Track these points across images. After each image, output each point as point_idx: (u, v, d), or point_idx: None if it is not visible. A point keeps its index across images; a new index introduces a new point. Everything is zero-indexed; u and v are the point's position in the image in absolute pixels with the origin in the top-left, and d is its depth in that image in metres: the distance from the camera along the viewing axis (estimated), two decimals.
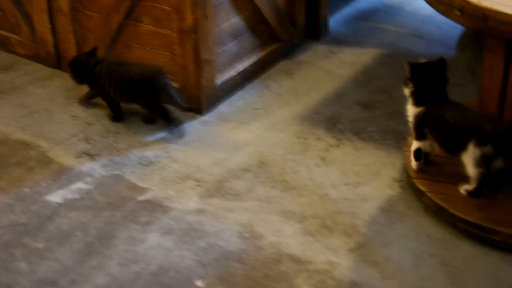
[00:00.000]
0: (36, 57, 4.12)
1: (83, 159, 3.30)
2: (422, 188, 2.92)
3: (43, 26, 3.97)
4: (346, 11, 4.71)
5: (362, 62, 4.10)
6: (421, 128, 2.92)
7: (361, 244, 2.77)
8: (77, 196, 3.06)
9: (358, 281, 2.60)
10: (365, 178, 3.13)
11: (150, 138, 3.43)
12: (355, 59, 4.13)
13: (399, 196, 3.02)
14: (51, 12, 3.91)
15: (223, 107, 3.66)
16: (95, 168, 3.23)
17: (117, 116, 3.61)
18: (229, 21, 3.61)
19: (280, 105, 3.70)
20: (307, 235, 2.83)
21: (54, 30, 3.96)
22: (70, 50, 3.91)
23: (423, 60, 2.89)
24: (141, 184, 3.11)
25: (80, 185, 3.13)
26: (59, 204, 3.01)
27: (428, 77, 2.86)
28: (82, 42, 3.86)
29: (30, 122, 3.60)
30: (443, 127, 2.83)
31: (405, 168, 3.08)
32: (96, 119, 3.59)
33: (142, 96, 3.44)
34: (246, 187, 3.10)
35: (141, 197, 3.04)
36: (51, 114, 3.66)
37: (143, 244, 2.78)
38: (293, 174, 3.19)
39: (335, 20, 4.53)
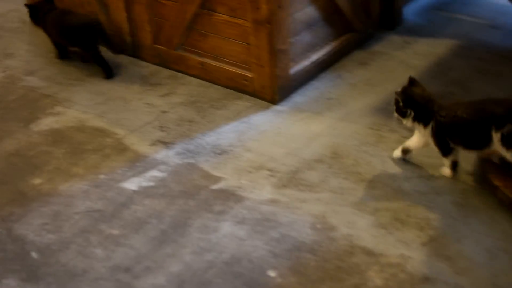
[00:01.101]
0: (113, 45, 4.18)
1: (157, 147, 3.36)
2: (496, 182, 2.90)
3: (119, 14, 4.04)
4: (421, 1, 4.67)
5: (437, 53, 4.07)
6: (444, 142, 2.95)
7: (433, 238, 2.77)
8: (151, 183, 3.12)
9: (430, 276, 2.60)
10: (439, 171, 3.11)
11: (223, 127, 3.47)
12: (429, 49, 4.10)
13: (473, 190, 3.00)
14: (127, 1, 3.97)
15: (297, 97, 3.68)
16: (169, 156, 3.29)
17: (61, 55, 4.26)
18: (303, 10, 3.62)
19: (353, 96, 3.70)
20: (379, 228, 2.83)
21: (130, 19, 4.02)
22: (146, 38, 3.98)
23: (403, 87, 2.96)
24: (214, 172, 3.16)
25: (154, 172, 3.19)
26: (134, 191, 3.08)
27: (419, 97, 2.93)
28: (157, 31, 3.92)
29: (106, 109, 3.69)
30: (463, 128, 2.86)
31: (479, 162, 3.05)
32: (171, 107, 3.65)
33: (81, 41, 3.98)
34: (319, 178, 3.11)
35: (215, 186, 3.08)
36: (126, 102, 3.73)
37: (216, 233, 2.83)
38: (366, 166, 3.19)
39: (410, 10, 4.50)
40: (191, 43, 3.81)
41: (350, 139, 3.36)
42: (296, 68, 3.67)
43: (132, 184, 3.13)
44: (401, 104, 2.92)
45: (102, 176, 3.20)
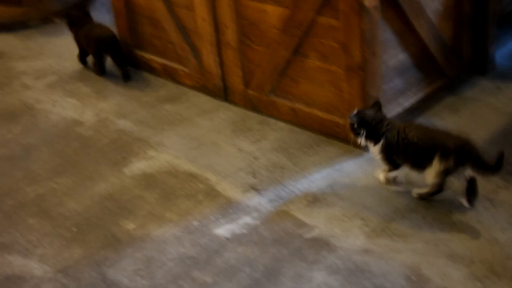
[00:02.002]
0: (203, 89, 4.32)
1: (250, 193, 3.44)
2: None
3: (211, 59, 4.16)
4: None
5: None
6: (392, 159, 3.30)
7: None
8: (244, 231, 3.19)
9: None
10: None
11: (315, 173, 3.53)
12: None
13: None
14: (219, 46, 4.09)
15: None
16: (262, 203, 3.36)
17: (82, 59, 5.00)
18: (395, 57, 3.67)
19: None
20: (475, 281, 2.83)
21: (221, 63, 4.14)
22: (237, 83, 4.08)
23: (359, 109, 3.37)
24: (307, 221, 3.22)
25: (247, 219, 3.26)
26: (227, 239, 3.16)
27: (370, 118, 3.30)
28: (248, 76, 4.02)
29: (198, 154, 3.79)
30: (410, 149, 3.21)
31: None
32: (262, 153, 3.73)
33: (93, 50, 4.74)
34: (412, 227, 3.14)
35: (308, 235, 3.13)
36: (218, 147, 3.83)
37: (310, 283, 2.87)
38: (460, 216, 3.19)
39: (502, 54, 4.49)
40: (283, 88, 3.89)
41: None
42: (388, 114, 3.70)
43: (225, 231, 3.20)
44: (355, 125, 3.29)
45: (195, 222, 3.29)
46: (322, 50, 3.63)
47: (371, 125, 3.29)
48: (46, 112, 4.45)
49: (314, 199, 3.36)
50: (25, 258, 3.22)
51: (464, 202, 3.24)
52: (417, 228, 3.13)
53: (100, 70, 4.81)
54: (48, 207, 3.55)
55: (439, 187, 3.25)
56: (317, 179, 3.51)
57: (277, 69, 3.87)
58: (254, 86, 4.05)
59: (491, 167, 3.11)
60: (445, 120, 3.88)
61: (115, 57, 4.71)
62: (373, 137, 3.31)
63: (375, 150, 3.35)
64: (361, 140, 3.35)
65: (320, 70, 3.68)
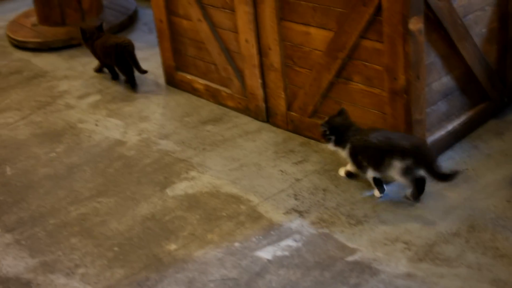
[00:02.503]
0: (246, 111, 4.39)
1: (291, 215, 3.49)
2: None
3: (254, 80, 4.23)
4: None
5: None
6: (359, 161, 3.55)
7: None
8: (286, 253, 3.24)
9: None
10: None
11: (357, 196, 3.57)
12: None
13: None
14: (263, 68, 4.16)
15: None
16: (304, 225, 3.41)
17: (98, 70, 5.35)
18: (439, 80, 3.71)
19: (489, 167, 3.73)
20: None
21: (264, 85, 4.20)
22: (280, 105, 4.14)
23: (329, 117, 3.68)
24: (349, 244, 3.25)
25: (289, 242, 3.31)
26: (269, 261, 3.21)
27: (339, 124, 3.61)
28: (291, 98, 4.08)
29: (240, 175, 3.85)
30: (371, 151, 3.48)
31: None
32: (304, 175, 3.78)
33: (113, 58, 4.99)
34: (456, 252, 3.16)
35: (350, 258, 3.17)
36: (260, 168, 3.89)
37: None
38: (505, 241, 3.21)
39: None
40: (326, 111, 3.95)
41: (487, 213, 3.39)
42: (431, 138, 3.74)
43: (266, 253, 3.25)
44: (327, 132, 3.59)
45: (236, 244, 3.34)
46: (366, 73, 3.67)
47: (340, 131, 3.58)
48: (89, 131, 4.54)
49: (356, 222, 3.40)
50: (67, 277, 3.30)
51: (410, 197, 3.55)
52: (460, 253, 3.15)
53: (115, 76, 5.24)
54: (90, 226, 3.63)
55: (415, 184, 3.49)
56: (360, 202, 3.54)
57: (320, 91, 3.92)
58: (297, 108, 4.11)
59: (441, 174, 3.41)
60: (489, 143, 3.90)
61: (133, 62, 4.99)
62: (341, 142, 3.59)
63: (344, 154, 3.62)
64: (331, 146, 3.64)
65: (364, 92, 3.73)
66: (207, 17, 4.40)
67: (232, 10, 4.19)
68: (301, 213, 3.50)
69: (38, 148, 4.46)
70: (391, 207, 3.48)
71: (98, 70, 5.38)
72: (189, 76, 4.77)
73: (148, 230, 3.54)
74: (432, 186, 3.57)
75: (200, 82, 4.69)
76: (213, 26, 4.39)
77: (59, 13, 6.11)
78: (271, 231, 3.41)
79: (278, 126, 4.26)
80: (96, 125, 4.62)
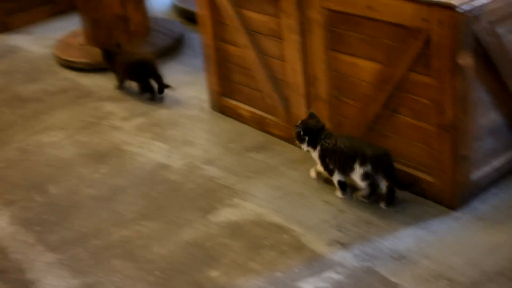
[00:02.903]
0: (290, 139, 4.43)
1: (334, 247, 3.52)
2: None
3: (299, 109, 4.29)
4: None
5: None
6: (326, 162, 3.89)
7: None
8: (328, 285, 3.28)
9: None
10: None
11: (402, 230, 3.59)
12: None
13: None
14: (309, 97, 4.21)
15: (477, 204, 3.75)
16: (346, 257, 3.44)
17: (120, 87, 5.60)
18: (488, 116, 3.73)
19: None
20: None
21: None
22: None
23: (303, 119, 4.02)
24: (392, 278, 3.28)
25: (331, 274, 3.35)
26: None
27: (313, 126, 3.94)
28: (337, 128, 4.12)
29: (283, 204, 3.90)
30: (337, 155, 3.81)
31: None
32: (348, 207, 3.81)
33: (136, 75, 5.34)
34: None
35: None
36: (304, 198, 3.93)
37: None
38: None
39: None
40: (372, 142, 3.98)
41: None
42: (478, 174, 3.76)
43: (308, 284, 3.30)
44: (301, 133, 3.91)
45: (278, 274, 3.39)
46: (413, 107, 3.71)
47: (313, 133, 3.90)
48: (133, 154, 4.63)
49: (399, 257, 3.42)
50: None
51: (382, 204, 3.82)
52: None
53: (148, 90, 5.42)
54: (132, 249, 3.70)
55: (371, 188, 3.82)
56: (403, 236, 3.57)
57: (365, 122, 3.96)
58: None
59: (398, 183, 3.77)
60: None
61: (155, 78, 5.33)
62: (313, 144, 3.91)
63: (314, 155, 3.95)
64: (304, 147, 3.96)
65: (410, 126, 3.76)
66: (255, 44, 4.47)
67: (280, 38, 4.26)
68: (344, 245, 3.54)
69: (83, 168, 4.54)
70: (436, 243, 3.49)
71: (120, 87, 5.63)
72: (234, 102, 4.84)
73: (190, 255, 3.59)
74: (474, 223, 3.58)
75: (245, 109, 4.75)
76: (261, 53, 4.46)
77: (106, 34, 6.23)
78: (313, 262, 3.44)
79: None
80: (141, 147, 4.70)
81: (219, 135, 4.70)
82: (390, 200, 3.82)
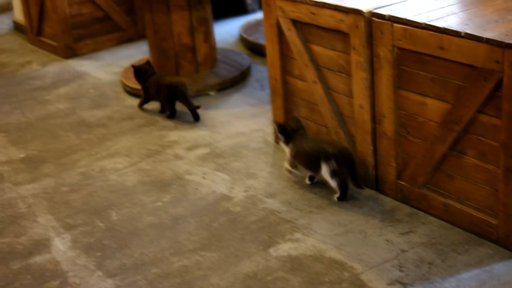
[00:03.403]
0: None
1: (395, 287, 3.54)
2: None
3: (365, 147, 4.33)
4: None
5: None
6: (294, 161, 4.47)
7: None
8: None
9: None
10: None
11: (464, 273, 3.62)
12: None
13: None
14: (375, 135, 4.25)
15: None
16: None
17: (145, 102, 6.06)
18: None
19: None
20: None
21: (375, 152, 4.29)
22: (390, 173, 4.22)
23: (284, 121, 4.75)
24: None
25: None
26: None
27: (289, 127, 4.55)
28: (402, 167, 4.16)
29: (345, 241, 3.93)
30: (303, 155, 4.40)
31: None
32: (410, 247, 3.83)
33: (164, 97, 5.76)
34: None
35: None
36: (366, 236, 3.96)
37: None
38: None
39: None
40: (436, 183, 4.00)
41: None
42: None
43: None
44: (279, 133, 4.49)
45: None
46: (481, 148, 3.73)
47: (287, 133, 4.48)
48: (195, 184, 4.71)
49: None
50: None
51: (335, 197, 4.37)
52: None
53: (172, 114, 5.84)
54: (191, 279, 3.77)
55: (342, 187, 4.30)
56: (465, 279, 3.57)
57: (432, 162, 3.98)
58: (407, 178, 4.17)
59: (356, 181, 4.26)
60: None
61: (185, 101, 5.71)
62: (287, 143, 4.48)
63: (287, 151, 4.51)
64: (282, 144, 4.55)
65: (477, 168, 3.78)
66: (322, 79, 4.54)
67: (349, 74, 4.32)
68: (405, 285, 3.56)
69: (145, 196, 4.64)
70: (498, 287, 3.48)
71: (141, 105, 6.08)
72: None
73: None
74: None
75: None
76: (328, 89, 4.52)
77: (174, 64, 6.38)
78: None
79: (386, 194, 4.33)
80: (204, 178, 4.78)
81: (282, 169, 4.75)
82: (343, 195, 4.33)
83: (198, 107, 5.71)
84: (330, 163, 4.21)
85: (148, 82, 5.83)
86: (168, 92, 5.70)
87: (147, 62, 5.97)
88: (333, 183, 4.27)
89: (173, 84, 5.66)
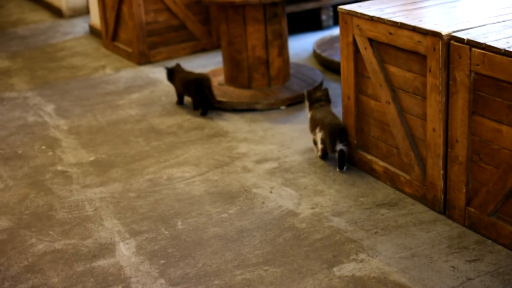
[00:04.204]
0: (422, 199, 4.49)
1: None
2: None
3: (435, 170, 4.34)
4: None
5: None
6: (310, 124, 5.34)
7: None
8: None
9: None
10: None
11: None
12: None
13: None
14: (446, 159, 4.26)
15: None
16: None
17: (180, 102, 6.62)
18: None
19: None
20: None
21: (446, 176, 4.29)
22: (459, 199, 4.22)
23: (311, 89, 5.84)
24: None
25: None
26: None
27: (314, 96, 5.44)
28: (472, 193, 4.16)
29: (410, 265, 3.95)
30: (314, 121, 5.24)
31: None
32: (477, 275, 3.84)
33: (192, 90, 6.28)
34: None
35: None
36: (432, 261, 3.97)
37: None
38: None
39: None
40: (507, 211, 3.99)
41: None
42: None
43: None
44: (306, 97, 5.39)
45: None
46: None
47: (312, 100, 5.34)
48: (262, 197, 4.78)
49: None
50: None
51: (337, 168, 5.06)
52: None
53: (196, 106, 6.41)
54: None
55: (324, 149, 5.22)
56: None
57: (504, 191, 3.97)
58: (476, 205, 4.17)
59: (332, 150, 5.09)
60: None
61: (208, 95, 6.24)
62: (310, 108, 5.34)
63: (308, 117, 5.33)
64: (307, 109, 5.36)
65: None
66: (396, 100, 4.56)
67: (423, 97, 4.34)
68: None
69: (211, 207, 4.72)
70: None
71: (179, 102, 6.63)
72: (369, 156, 4.94)
73: None
74: None
75: (379, 164, 4.84)
76: (401, 110, 4.55)
77: (246, 76, 6.47)
78: None
79: (454, 220, 4.33)
80: (271, 192, 4.84)
81: (350, 188, 4.79)
82: (343, 163, 5.07)
83: (218, 101, 6.34)
84: (322, 133, 5.15)
85: (177, 80, 6.39)
86: (196, 87, 6.24)
87: (177, 65, 6.53)
88: (320, 144, 5.22)
89: (200, 79, 6.20)
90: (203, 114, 6.30)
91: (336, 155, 5.08)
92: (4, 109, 6.85)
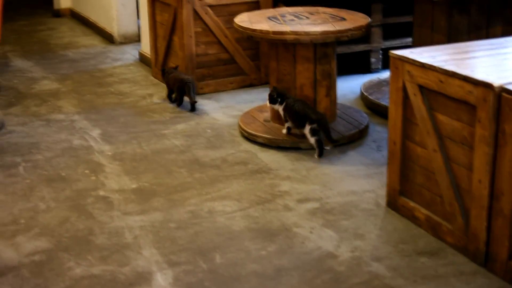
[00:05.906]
0: (463, 250, 4.49)
1: None
2: None
3: (479, 222, 4.34)
4: None
5: None
6: (284, 115, 6.16)
7: None
8: None
9: None
10: None
11: None
12: None
13: None
14: (491, 211, 4.26)
15: None
16: None
17: (169, 97, 7.77)
18: None
19: None
20: None
21: (489, 229, 4.29)
22: (502, 252, 4.21)
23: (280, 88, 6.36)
24: None
25: None
26: None
27: (279, 90, 6.20)
28: None
29: None
30: (293, 113, 5.99)
31: None
32: None
33: (177, 87, 7.40)
34: None
35: None
36: None
37: None
38: None
39: None
40: None
41: None
42: None
43: None
44: (274, 95, 6.19)
45: None
46: None
47: (280, 94, 6.19)
48: (302, 237, 4.81)
49: None
50: None
51: (315, 155, 5.98)
52: None
53: (179, 103, 7.60)
54: None
55: (319, 143, 6.02)
56: None
57: None
58: None
59: (331, 139, 6.05)
60: None
61: (189, 93, 7.38)
62: (281, 101, 6.20)
63: (279, 109, 6.27)
64: (276, 106, 6.24)
65: None
66: (443, 149, 4.58)
67: (471, 147, 4.35)
68: None
69: (250, 243, 4.76)
70: None
71: (168, 97, 7.77)
72: (411, 203, 4.95)
73: None
74: None
75: (422, 212, 4.85)
76: (447, 159, 4.56)
77: None
78: None
79: (495, 273, 4.32)
80: (311, 232, 4.87)
81: (391, 234, 4.80)
82: (321, 152, 6.00)
83: (196, 101, 7.37)
84: (311, 125, 5.89)
85: (169, 78, 7.51)
86: (180, 85, 7.33)
87: (176, 67, 7.72)
88: (312, 139, 6.00)
89: (184, 80, 7.30)
90: (193, 110, 7.50)
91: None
92: (51, 130, 6.96)
